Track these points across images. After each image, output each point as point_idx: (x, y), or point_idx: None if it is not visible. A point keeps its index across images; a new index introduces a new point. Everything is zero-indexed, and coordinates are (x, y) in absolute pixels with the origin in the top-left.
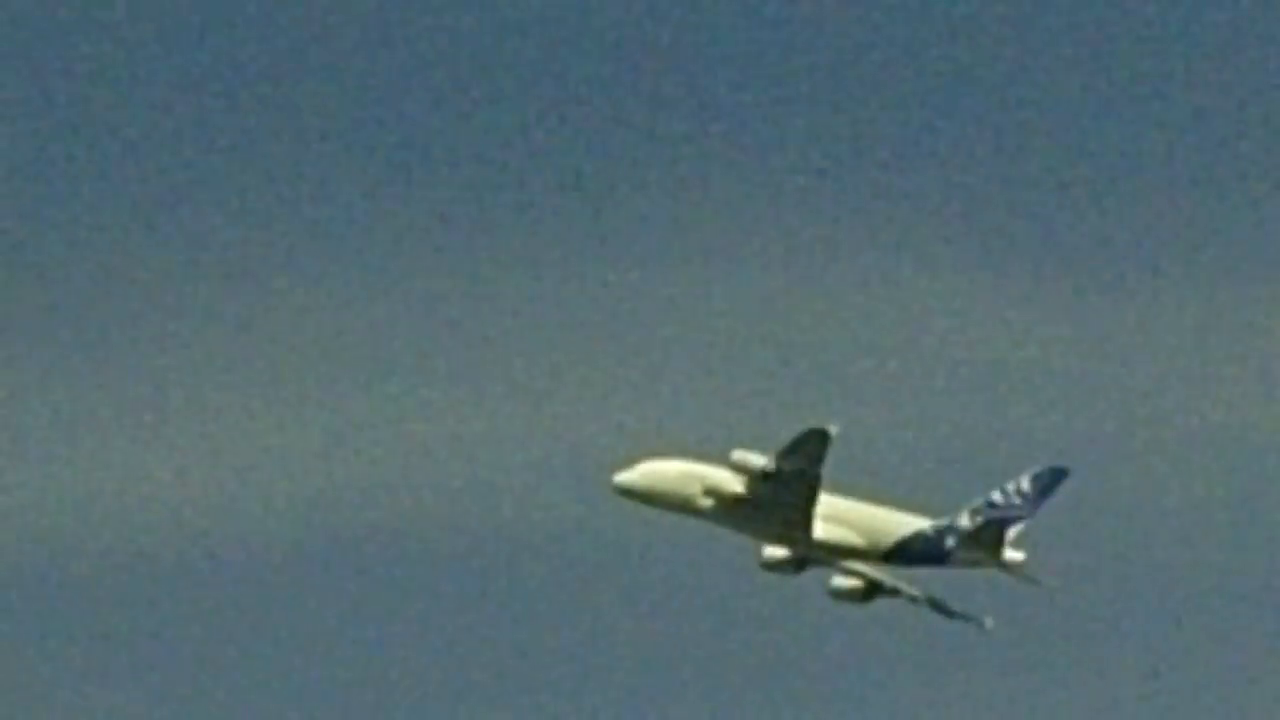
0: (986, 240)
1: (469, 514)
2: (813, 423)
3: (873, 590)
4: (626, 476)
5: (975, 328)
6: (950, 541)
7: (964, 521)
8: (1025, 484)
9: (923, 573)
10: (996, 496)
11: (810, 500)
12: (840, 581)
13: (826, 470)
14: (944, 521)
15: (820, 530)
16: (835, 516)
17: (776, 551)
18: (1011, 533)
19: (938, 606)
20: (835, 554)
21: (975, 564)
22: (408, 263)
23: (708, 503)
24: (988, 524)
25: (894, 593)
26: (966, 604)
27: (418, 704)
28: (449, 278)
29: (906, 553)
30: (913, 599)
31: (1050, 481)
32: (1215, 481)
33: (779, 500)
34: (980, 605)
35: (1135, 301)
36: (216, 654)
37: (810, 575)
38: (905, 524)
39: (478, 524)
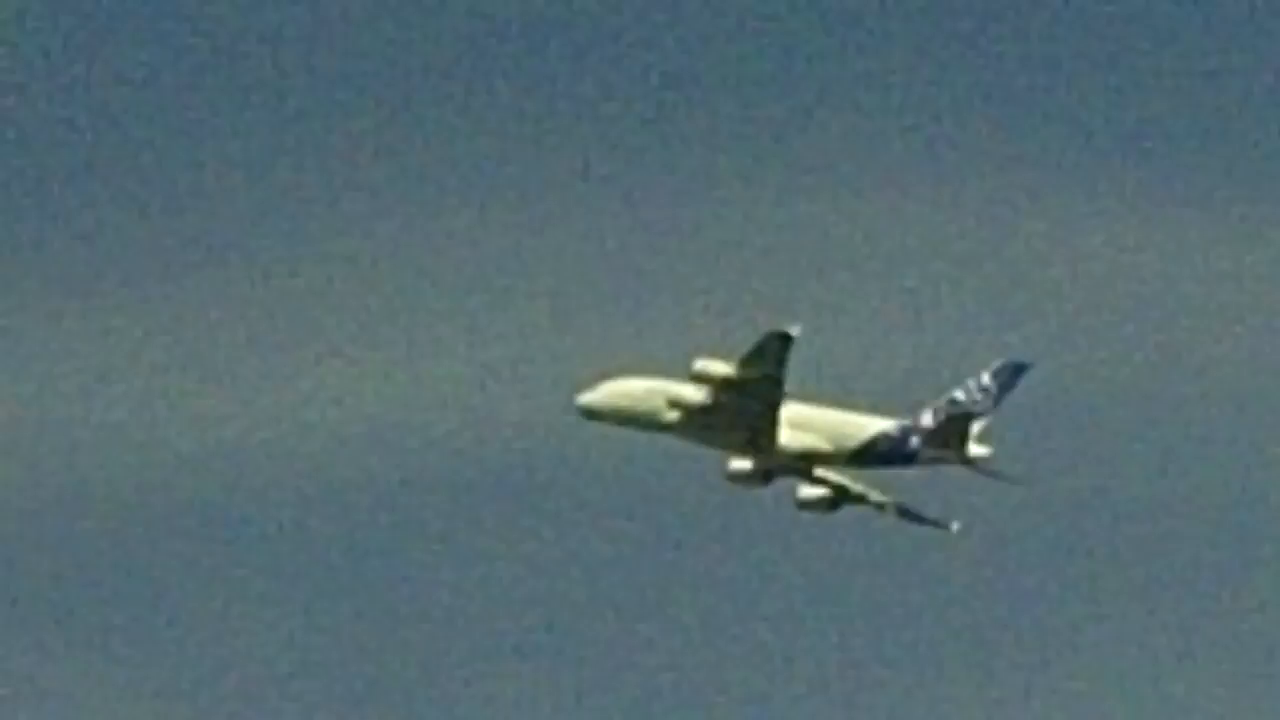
0: (935, 141)
1: (434, 443)
2: (773, 327)
3: (840, 499)
4: (590, 397)
5: (931, 228)
6: (915, 440)
7: (927, 420)
8: (986, 379)
9: (889, 476)
10: (959, 394)
11: (775, 406)
12: (807, 491)
13: (790, 377)
14: (908, 421)
15: (785, 437)
16: (799, 422)
17: (742, 463)
18: (975, 428)
19: (905, 512)
20: (801, 460)
21: (941, 461)
22: (361, 194)
23: (673, 416)
24: (951, 420)
25: (861, 500)
26: (933, 508)
27: (391, 628)
28: (403, 207)
29: (872, 454)
30: (880, 506)
31: (1011, 376)
32: (1179, 376)
33: (744, 408)
34: (948, 509)
35: (1099, 196)
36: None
37: (777, 486)
38: (869, 425)
39: (443, 452)
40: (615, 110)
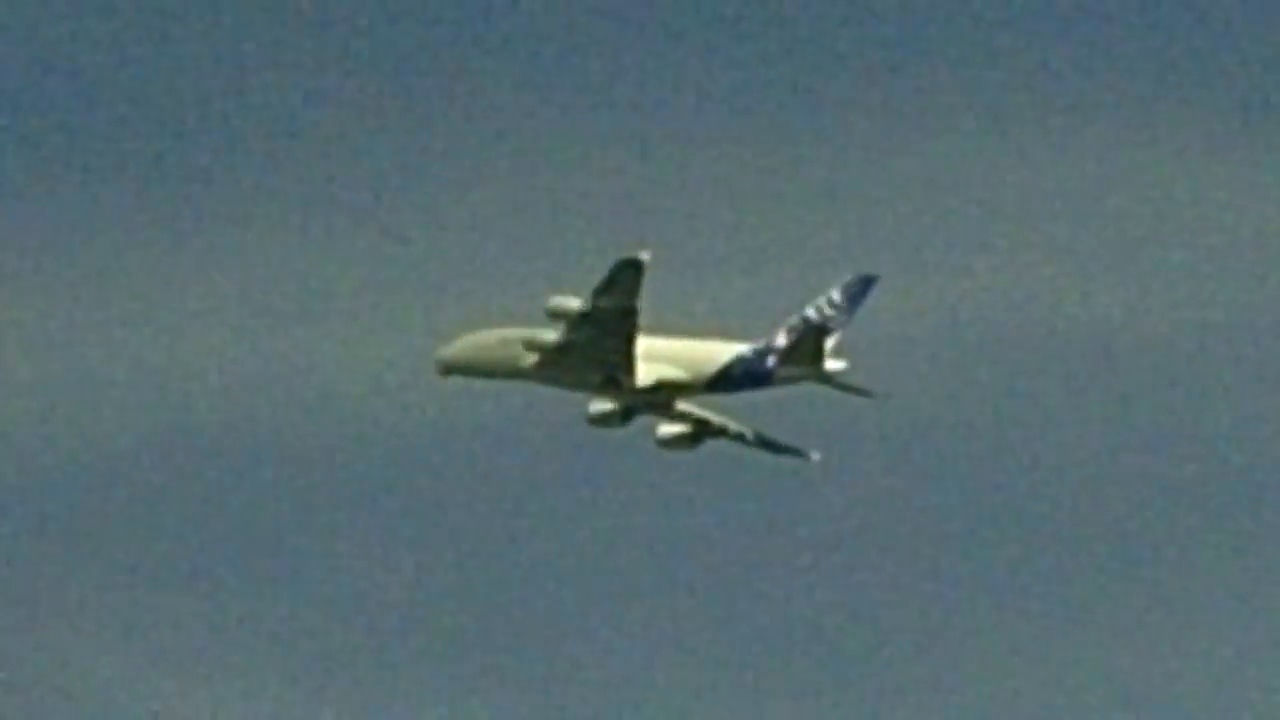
0: (771, 60)
1: (296, 411)
2: (623, 255)
3: (700, 434)
4: (447, 351)
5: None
6: (771, 361)
7: (781, 339)
8: (836, 295)
9: (747, 402)
10: (810, 312)
11: (630, 336)
12: (666, 429)
13: (643, 309)
14: (761, 343)
15: (641, 371)
16: (654, 355)
17: (602, 405)
18: (830, 343)
19: (765, 443)
20: (660, 393)
21: (798, 379)
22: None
23: (530, 359)
24: (805, 336)
25: (721, 432)
26: (788, 434)
27: (270, 589)
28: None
29: (729, 378)
30: (740, 437)
31: (860, 289)
32: (1016, 282)
33: (600, 341)
34: (803, 434)
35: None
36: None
37: (637, 427)
38: (724, 350)
39: (306, 420)
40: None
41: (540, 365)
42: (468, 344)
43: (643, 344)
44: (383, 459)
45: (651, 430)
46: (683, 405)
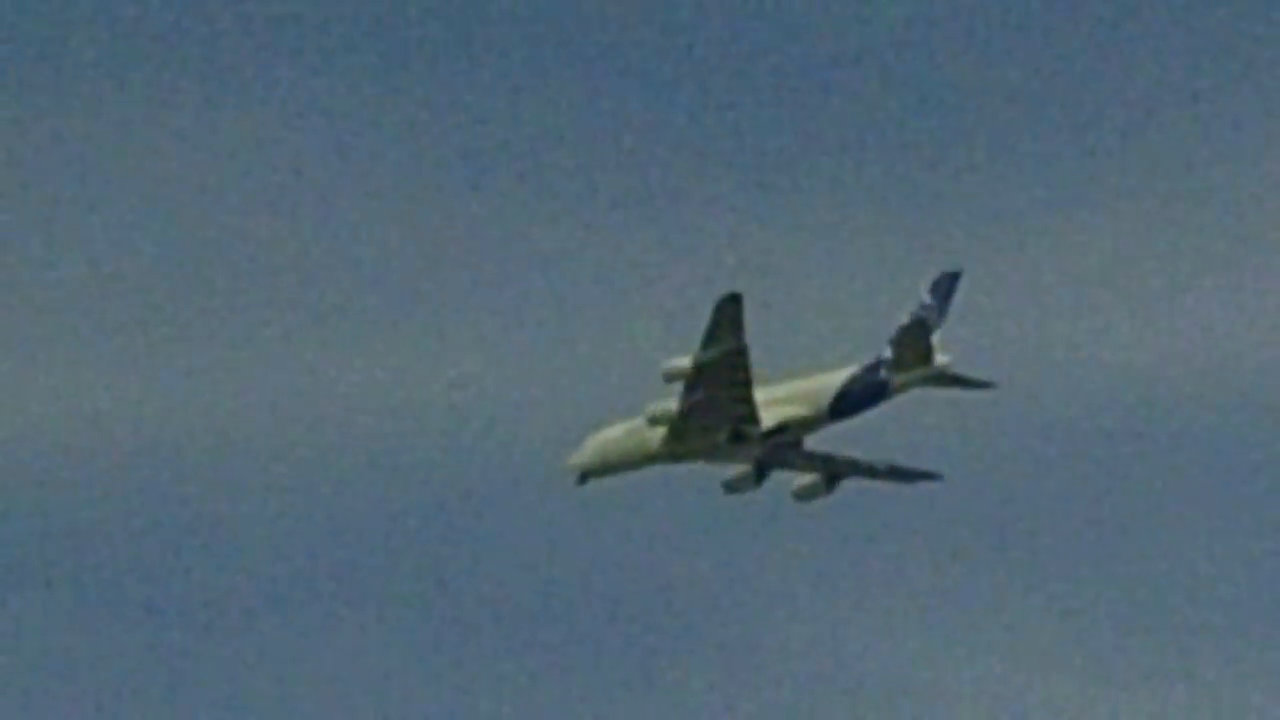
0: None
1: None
2: (718, 295)
3: (833, 478)
4: (578, 458)
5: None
6: (883, 373)
7: (887, 352)
8: (925, 295)
9: (859, 438)
10: (903, 319)
11: (747, 379)
12: (801, 481)
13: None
14: (870, 359)
15: (764, 418)
16: (769, 401)
17: (734, 469)
18: (935, 339)
19: (897, 472)
20: (787, 432)
21: (913, 384)
22: None
23: (658, 435)
24: (908, 336)
25: (853, 467)
26: (920, 461)
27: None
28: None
29: (848, 401)
30: (872, 470)
31: (948, 285)
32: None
33: (720, 392)
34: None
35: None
36: None
37: (772, 487)
38: (835, 377)
39: (441, 526)
40: None
41: (669, 439)
42: (595, 444)
43: (757, 395)
44: (527, 566)
45: (786, 487)
46: (811, 448)
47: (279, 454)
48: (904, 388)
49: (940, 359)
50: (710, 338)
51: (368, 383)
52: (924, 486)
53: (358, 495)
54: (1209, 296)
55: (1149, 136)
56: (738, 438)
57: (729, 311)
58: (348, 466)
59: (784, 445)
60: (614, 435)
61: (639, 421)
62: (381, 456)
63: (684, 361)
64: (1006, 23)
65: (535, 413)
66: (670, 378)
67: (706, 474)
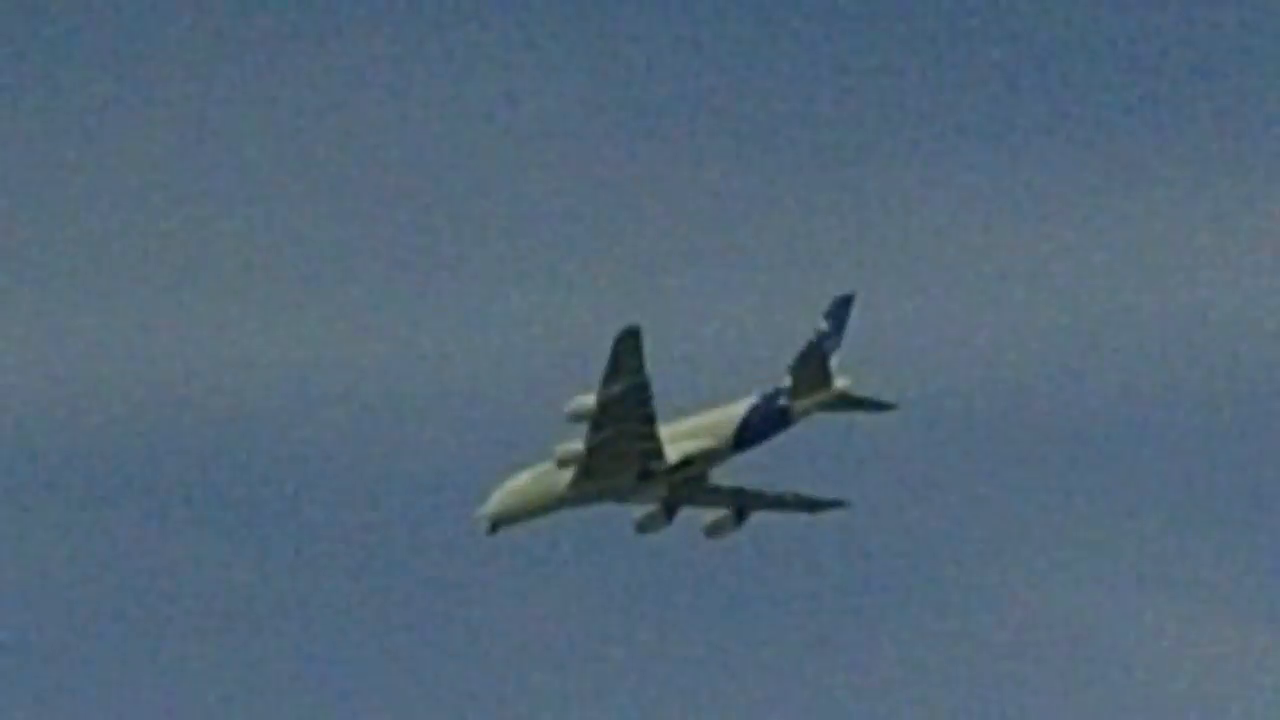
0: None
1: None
2: (614, 332)
3: (741, 511)
4: (487, 508)
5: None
6: (784, 400)
7: (786, 380)
8: (821, 322)
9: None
10: (800, 346)
11: (651, 414)
12: (710, 517)
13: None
14: (770, 388)
15: (671, 454)
16: (674, 436)
17: (645, 509)
18: (833, 363)
19: (804, 502)
20: (692, 466)
21: (814, 409)
22: None
23: (566, 478)
24: (806, 361)
25: (760, 499)
26: (822, 490)
27: None
28: None
29: (751, 431)
30: (779, 502)
31: (841, 310)
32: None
33: (625, 429)
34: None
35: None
36: None
37: (682, 524)
38: (737, 406)
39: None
40: None
41: (578, 480)
42: (504, 493)
43: (660, 432)
44: (435, 619)
45: (697, 523)
46: (718, 483)
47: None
48: (805, 413)
49: (839, 383)
50: (612, 372)
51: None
52: (830, 515)
53: None
54: (1107, 306)
55: (1035, 148)
56: (645, 475)
57: (628, 346)
58: None
59: (691, 480)
60: (521, 482)
61: (546, 465)
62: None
63: (588, 400)
64: (885, 57)
65: (437, 464)
66: (575, 418)
67: (618, 514)
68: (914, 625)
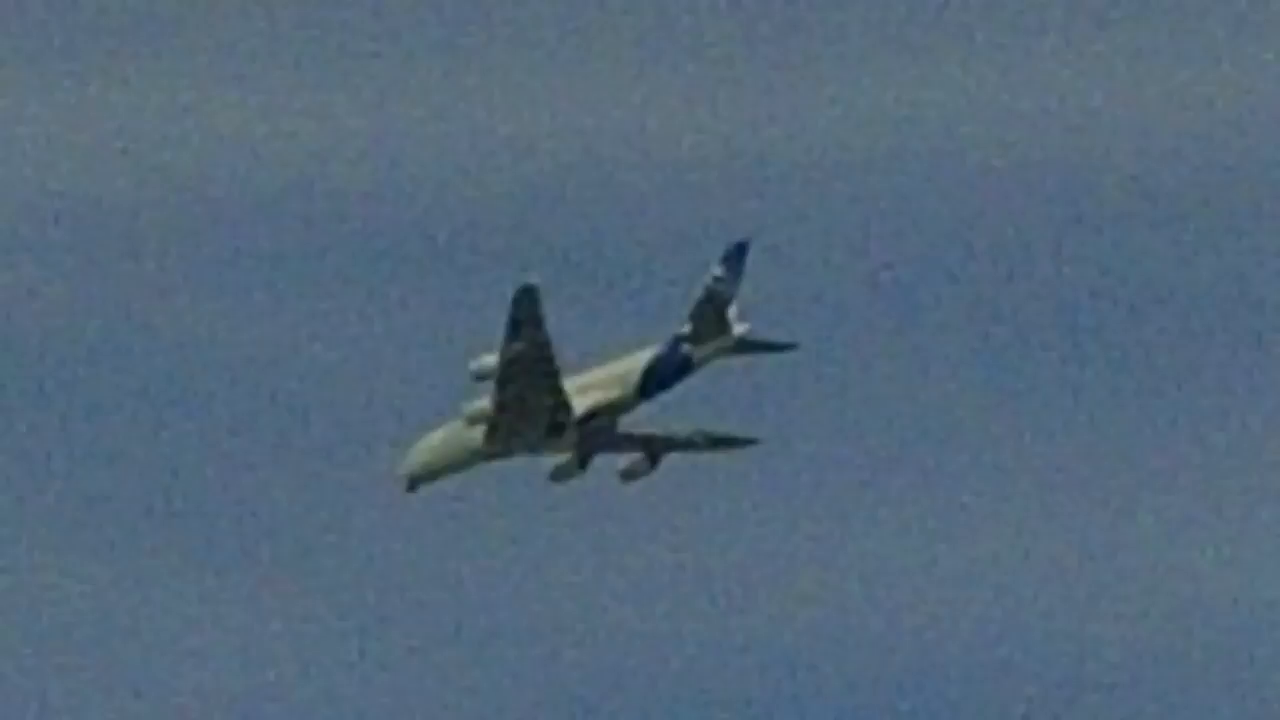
0: None
1: None
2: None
3: (654, 454)
4: (404, 467)
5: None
6: (685, 348)
7: (686, 327)
8: (716, 269)
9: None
10: (698, 294)
11: (554, 370)
12: (624, 462)
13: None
14: (669, 337)
15: (577, 405)
16: (579, 389)
17: (558, 458)
18: (731, 311)
19: (715, 440)
20: (599, 418)
21: (714, 355)
22: None
23: (478, 434)
24: (703, 310)
25: (670, 443)
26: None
27: None
28: None
29: (656, 378)
30: (690, 443)
31: (737, 256)
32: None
33: (530, 384)
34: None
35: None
36: None
37: (597, 471)
38: (639, 357)
39: None
40: None
41: (489, 436)
42: (420, 451)
43: (565, 384)
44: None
45: (610, 469)
46: (629, 430)
47: None
48: (706, 360)
49: (738, 328)
50: (512, 330)
51: None
52: (742, 452)
53: None
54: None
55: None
56: (554, 428)
57: (527, 303)
58: None
59: (599, 431)
60: (436, 439)
61: (458, 423)
62: None
63: (490, 359)
64: None
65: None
66: (479, 376)
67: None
68: (828, 556)
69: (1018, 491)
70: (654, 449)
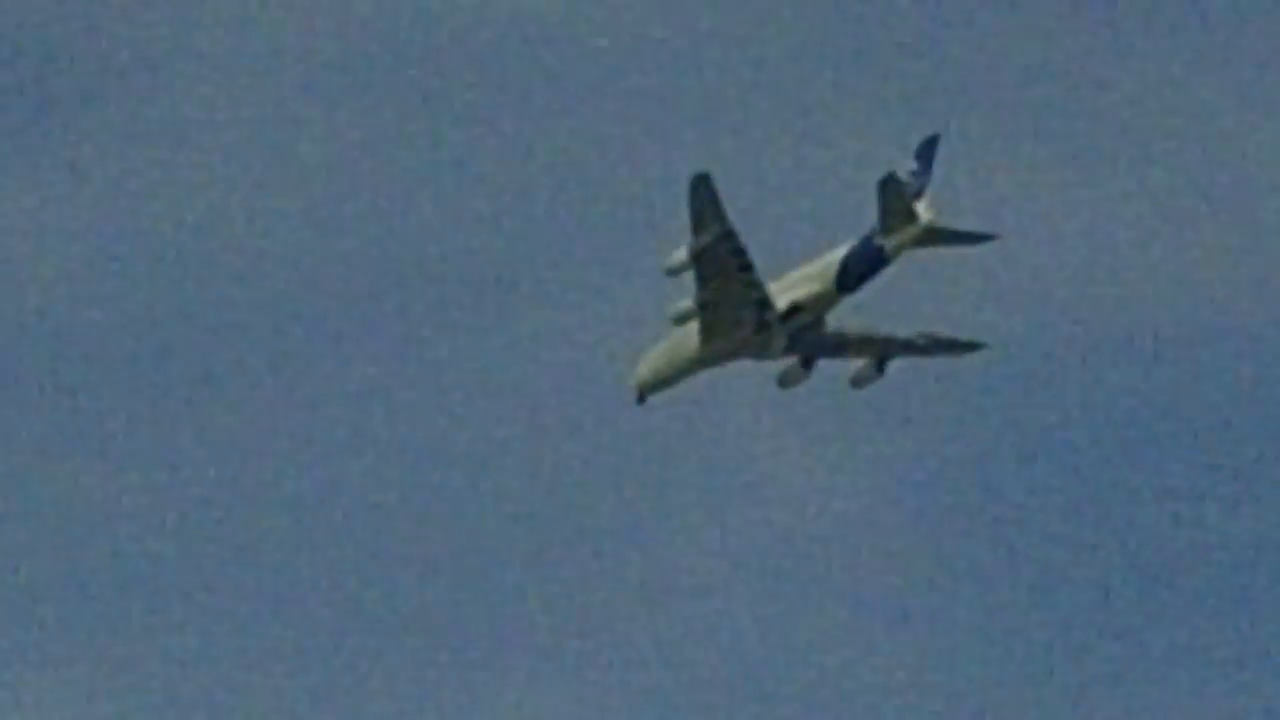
0: None
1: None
2: (685, 179)
3: (882, 359)
4: (635, 378)
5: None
6: (878, 239)
7: (875, 221)
8: (911, 163)
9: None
10: (889, 187)
11: (747, 261)
12: (854, 367)
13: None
14: (862, 233)
15: (780, 303)
16: (779, 289)
17: (783, 364)
18: (920, 205)
19: (940, 344)
20: (802, 313)
21: (908, 245)
22: None
23: (694, 340)
24: (887, 198)
25: (890, 343)
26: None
27: None
28: None
29: (853, 271)
30: (914, 346)
31: (928, 149)
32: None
33: (727, 274)
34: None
35: None
36: None
37: (823, 377)
38: (834, 253)
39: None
40: None
41: (703, 338)
42: (648, 361)
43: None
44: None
45: (842, 378)
46: (852, 333)
47: None
48: (899, 250)
49: (925, 216)
50: (696, 222)
51: None
52: (969, 357)
53: None
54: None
55: None
56: (761, 325)
57: (703, 192)
58: None
59: (809, 329)
60: (659, 350)
61: (678, 333)
62: None
63: (681, 253)
64: None
65: None
66: (674, 272)
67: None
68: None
69: None
70: (875, 351)
